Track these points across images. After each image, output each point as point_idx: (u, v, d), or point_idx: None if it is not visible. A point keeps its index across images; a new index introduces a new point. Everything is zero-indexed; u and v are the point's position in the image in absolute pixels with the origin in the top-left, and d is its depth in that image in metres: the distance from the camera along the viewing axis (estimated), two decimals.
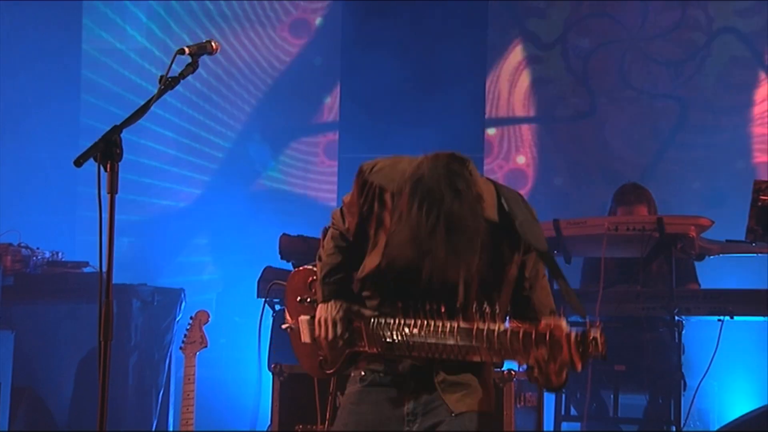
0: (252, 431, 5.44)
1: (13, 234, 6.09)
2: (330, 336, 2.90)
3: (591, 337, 2.46)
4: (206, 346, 4.63)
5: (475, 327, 2.62)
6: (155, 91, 2.83)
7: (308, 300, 3.08)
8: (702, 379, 4.93)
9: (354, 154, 8.43)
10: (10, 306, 5.74)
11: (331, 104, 8.51)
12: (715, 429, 5.57)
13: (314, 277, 3.05)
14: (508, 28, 8.05)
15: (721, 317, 4.92)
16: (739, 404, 6.65)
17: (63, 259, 6.24)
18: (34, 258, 6.06)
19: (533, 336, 2.52)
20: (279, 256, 5.65)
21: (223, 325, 7.57)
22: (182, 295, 6.15)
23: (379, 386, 2.88)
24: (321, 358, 3.05)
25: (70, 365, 5.93)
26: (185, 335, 4.65)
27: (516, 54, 8.02)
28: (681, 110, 7.65)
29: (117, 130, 2.72)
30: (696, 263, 5.55)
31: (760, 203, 4.63)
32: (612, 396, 5.20)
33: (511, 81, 8.01)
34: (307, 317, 3.05)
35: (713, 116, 7.57)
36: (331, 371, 3.03)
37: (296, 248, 5.55)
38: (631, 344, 5.17)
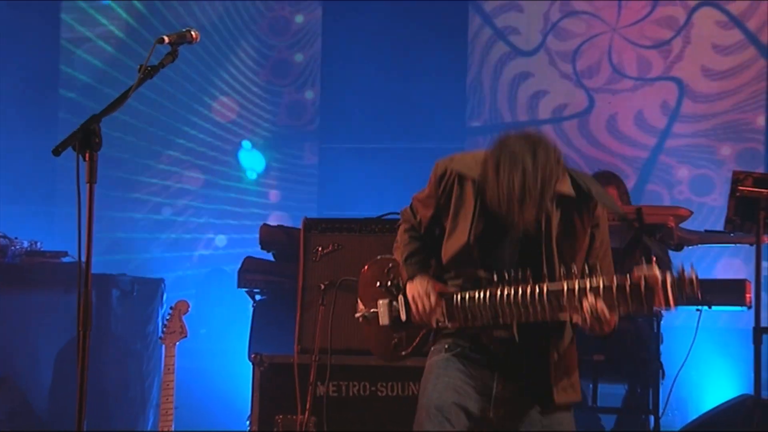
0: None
1: None
2: (427, 308, 3.03)
3: (687, 279, 2.59)
4: (186, 336, 4.61)
5: (564, 287, 2.76)
6: (134, 83, 2.82)
7: (389, 284, 3.22)
8: (680, 368, 4.96)
9: (335, 144, 8.43)
10: None
11: (313, 98, 8.50)
12: (693, 418, 5.60)
13: (392, 265, 3.26)
14: (490, 42, 8.11)
15: (700, 307, 4.94)
16: (716, 393, 6.70)
17: (41, 249, 6.20)
18: (13, 248, 6.01)
19: (627, 286, 2.64)
20: (259, 247, 5.65)
21: (203, 315, 7.57)
22: (162, 285, 6.12)
23: (467, 358, 3.02)
24: (396, 339, 3.20)
25: (48, 355, 5.89)
26: (165, 325, 4.63)
27: (499, 57, 8.08)
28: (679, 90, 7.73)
29: (96, 119, 2.70)
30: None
31: (738, 194, 4.66)
32: (591, 385, 5.22)
33: (498, 85, 8.06)
34: (386, 300, 3.21)
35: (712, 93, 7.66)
36: (406, 352, 3.19)
37: (276, 238, 5.54)
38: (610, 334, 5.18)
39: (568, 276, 2.76)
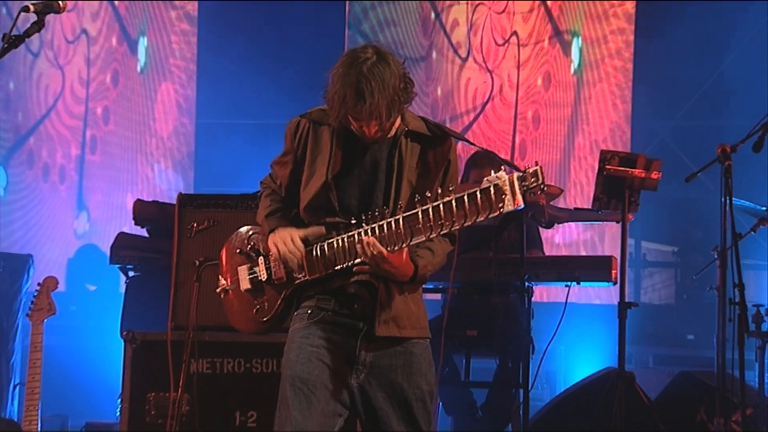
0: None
1: None
2: (289, 248, 3.02)
3: (531, 172, 2.70)
4: (54, 313, 4.51)
5: (419, 209, 2.86)
6: None
7: (248, 248, 3.20)
8: (549, 343, 5.08)
9: (211, 119, 8.35)
10: None
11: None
12: (561, 391, 5.77)
13: (252, 233, 3.24)
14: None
15: (568, 283, 5.08)
16: (583, 367, 6.91)
17: None
18: None
19: (478, 194, 2.74)
20: (133, 222, 5.55)
21: (74, 292, 7.41)
22: (30, 262, 5.96)
23: (329, 323, 3.03)
24: (257, 306, 3.17)
25: None
26: (32, 302, 4.52)
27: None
28: None
29: None
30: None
31: (605, 172, 4.79)
32: (464, 360, 5.31)
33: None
34: (246, 265, 3.20)
35: None
36: (267, 318, 3.15)
37: (150, 214, 5.46)
38: (483, 310, 5.29)
39: (423, 204, 2.86)
